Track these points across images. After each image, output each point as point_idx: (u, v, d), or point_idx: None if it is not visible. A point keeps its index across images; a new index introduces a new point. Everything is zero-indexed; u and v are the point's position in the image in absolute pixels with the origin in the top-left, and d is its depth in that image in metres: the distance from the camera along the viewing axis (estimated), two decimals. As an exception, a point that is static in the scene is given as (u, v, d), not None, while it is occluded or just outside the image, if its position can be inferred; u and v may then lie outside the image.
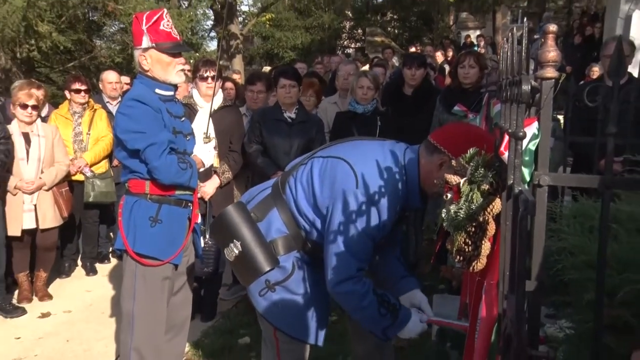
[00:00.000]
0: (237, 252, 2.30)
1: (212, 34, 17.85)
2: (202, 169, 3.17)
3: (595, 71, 8.04)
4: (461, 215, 1.55)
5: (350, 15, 23.19)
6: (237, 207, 2.38)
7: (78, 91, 5.30)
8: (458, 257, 1.63)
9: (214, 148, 3.39)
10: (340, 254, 2.17)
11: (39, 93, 4.79)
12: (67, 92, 5.43)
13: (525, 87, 1.34)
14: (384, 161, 2.21)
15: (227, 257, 2.37)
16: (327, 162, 2.29)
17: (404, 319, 2.31)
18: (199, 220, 3.20)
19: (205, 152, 3.19)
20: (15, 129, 4.61)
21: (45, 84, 13.85)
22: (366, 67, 8.12)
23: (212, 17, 17.23)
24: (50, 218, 4.74)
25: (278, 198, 2.39)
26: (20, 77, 10.12)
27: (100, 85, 5.96)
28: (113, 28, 16.09)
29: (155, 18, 2.84)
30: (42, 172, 4.71)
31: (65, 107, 5.40)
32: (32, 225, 4.66)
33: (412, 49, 12.15)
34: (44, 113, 5.72)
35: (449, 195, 1.65)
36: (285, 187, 2.39)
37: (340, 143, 2.48)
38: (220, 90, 4.39)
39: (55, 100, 8.63)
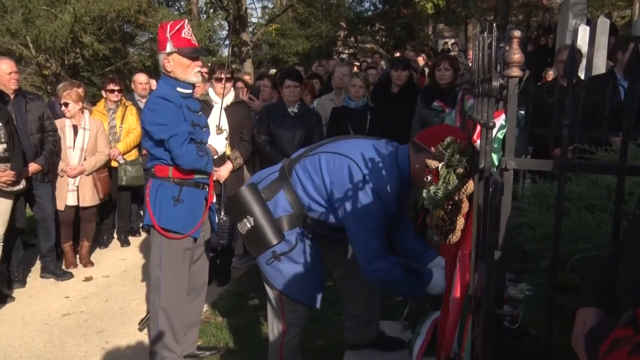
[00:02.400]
0: (249, 226, 2.30)
1: (227, 41, 17.75)
2: (215, 157, 3.13)
3: (550, 74, 8.02)
4: (439, 195, 1.52)
5: (345, 25, 23.00)
6: (250, 188, 2.36)
7: (112, 91, 5.28)
8: (436, 230, 1.61)
9: (226, 138, 3.36)
10: (362, 239, 2.21)
11: (80, 90, 4.76)
12: (103, 92, 5.42)
13: (495, 84, 1.31)
14: (382, 159, 2.24)
15: (240, 231, 2.36)
16: (335, 158, 2.27)
17: (429, 278, 2.30)
18: (214, 200, 3.19)
19: (218, 142, 3.15)
20: (67, 122, 4.67)
21: (87, 86, 13.86)
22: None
23: (227, 27, 17.07)
24: (89, 198, 4.77)
25: (285, 181, 2.37)
26: (68, 80, 10.11)
27: (133, 86, 5.92)
28: (143, 38, 16.01)
29: (177, 27, 2.81)
30: (84, 159, 4.70)
31: (101, 105, 5.38)
32: (74, 203, 4.70)
33: (397, 54, 12.03)
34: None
35: (429, 178, 1.62)
36: (291, 172, 2.37)
37: (343, 140, 2.45)
38: (232, 88, 4.35)
39: (95, 100, 8.61)
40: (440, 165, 1.58)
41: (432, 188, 1.56)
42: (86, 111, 4.81)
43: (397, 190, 2.23)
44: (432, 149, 2.10)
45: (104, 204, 5.28)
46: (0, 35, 11.14)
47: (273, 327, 2.56)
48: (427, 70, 8.92)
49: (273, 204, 2.35)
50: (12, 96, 4.23)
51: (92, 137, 4.74)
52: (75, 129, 4.67)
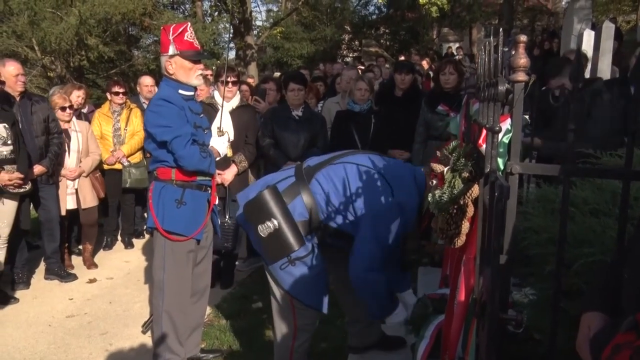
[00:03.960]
0: (272, 229, 2.28)
1: (231, 44, 17.78)
2: (217, 159, 3.15)
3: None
4: (444, 199, 1.53)
5: (349, 29, 23.02)
6: (273, 191, 2.35)
7: (117, 93, 5.30)
8: (441, 234, 1.62)
9: (228, 141, 3.37)
10: (372, 248, 2.26)
11: (80, 92, 4.80)
12: (108, 94, 5.43)
13: (501, 88, 1.32)
14: (408, 177, 2.33)
15: (260, 234, 2.31)
16: (362, 170, 2.33)
17: (395, 308, 2.42)
18: (217, 202, 3.19)
19: (220, 144, 3.16)
20: (59, 126, 4.66)
21: (92, 88, 13.93)
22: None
23: (232, 31, 17.11)
24: (90, 199, 4.81)
25: (304, 187, 2.37)
26: (73, 82, 10.16)
27: (138, 88, 5.93)
28: (148, 40, 16.06)
29: (180, 30, 2.83)
30: (80, 161, 4.73)
31: (106, 107, 5.39)
32: (74, 206, 4.72)
33: (401, 58, 12.04)
34: (85, 110, 5.73)
35: (434, 182, 1.62)
36: (312, 179, 2.38)
37: (367, 154, 2.50)
38: (237, 92, 4.36)
39: (99, 102, 8.64)
40: (445, 169, 1.58)
41: (438, 192, 1.56)
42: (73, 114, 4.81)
43: (417, 211, 2.30)
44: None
45: (107, 206, 5.33)
46: (7, 38, 11.20)
47: (282, 332, 2.55)
48: (431, 74, 8.93)
49: (291, 208, 2.35)
50: (18, 98, 4.25)
51: (84, 139, 4.78)
52: (66, 132, 4.67)
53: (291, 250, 2.30)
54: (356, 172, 2.32)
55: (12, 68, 4.24)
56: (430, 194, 1.60)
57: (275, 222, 2.27)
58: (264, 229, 2.29)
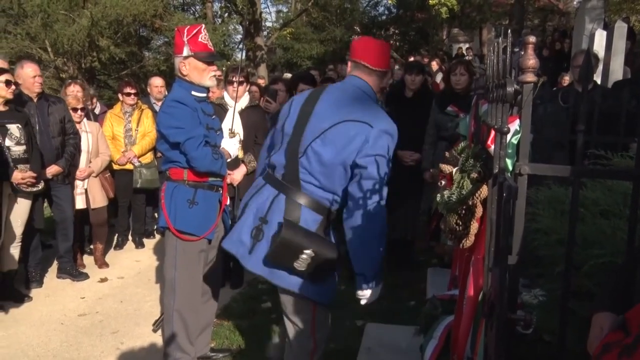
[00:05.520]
0: (309, 259, 2.12)
1: (241, 45, 17.85)
2: (229, 160, 3.16)
3: (566, 79, 7.94)
4: (453, 200, 1.53)
5: (359, 29, 23.01)
6: (288, 226, 2.14)
7: (128, 94, 5.34)
8: (450, 235, 1.62)
9: (239, 142, 3.38)
10: (378, 186, 2.10)
11: (76, 87, 4.89)
12: (119, 95, 5.48)
13: (510, 89, 1.32)
14: (360, 99, 2.20)
15: (299, 268, 2.15)
16: (327, 136, 2.15)
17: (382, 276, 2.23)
18: (228, 202, 3.21)
19: (231, 145, 3.17)
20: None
21: (103, 89, 14.05)
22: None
23: (242, 32, 17.19)
24: (100, 199, 4.87)
25: (299, 196, 2.20)
26: (83, 82, 10.27)
27: (148, 89, 5.98)
28: (159, 41, 16.14)
29: (194, 32, 2.84)
30: (90, 161, 4.79)
31: (118, 108, 5.44)
32: (83, 206, 4.77)
33: (411, 59, 12.02)
34: (98, 111, 5.80)
35: (443, 182, 1.63)
36: (299, 182, 2.21)
37: (311, 117, 2.24)
38: (247, 92, 4.38)
39: (111, 102, 8.71)
40: (454, 170, 1.59)
41: (446, 193, 1.57)
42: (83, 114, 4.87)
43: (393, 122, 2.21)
44: (380, 68, 2.22)
45: (117, 206, 5.38)
46: (21, 40, 11.33)
47: (299, 346, 2.38)
48: (441, 74, 8.92)
49: (304, 222, 2.19)
50: (35, 99, 4.31)
51: (94, 140, 4.83)
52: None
53: (334, 263, 2.18)
54: (325, 142, 2.15)
55: (30, 70, 4.30)
56: (439, 195, 1.60)
57: (309, 251, 2.11)
58: (300, 263, 2.14)
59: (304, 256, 2.12)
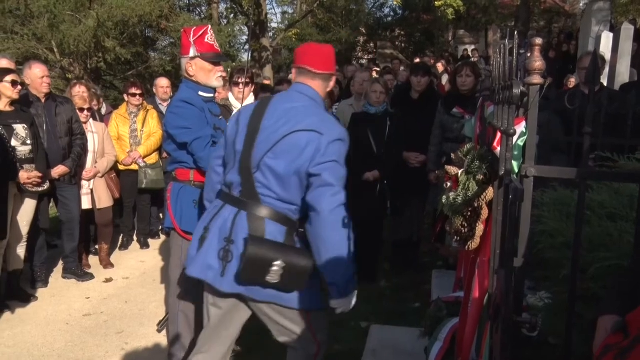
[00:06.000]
0: (281, 270, 2.07)
1: (247, 46, 17.89)
2: None
3: (572, 81, 7.94)
4: (459, 201, 1.53)
5: (364, 31, 23.05)
6: (253, 241, 2.09)
7: (134, 95, 5.37)
8: (456, 237, 1.62)
9: None
10: (333, 191, 2.04)
11: (82, 88, 4.92)
12: (125, 96, 5.51)
13: (516, 91, 1.32)
14: (308, 106, 2.17)
15: (272, 281, 2.09)
16: (278, 149, 2.11)
17: (356, 282, 2.13)
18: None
19: None
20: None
21: (109, 89, 14.11)
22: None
23: (247, 33, 17.24)
24: (105, 199, 4.90)
25: (260, 209, 2.15)
26: (89, 83, 10.33)
27: (154, 90, 6.00)
28: (165, 42, 16.17)
29: (201, 32, 2.85)
30: (96, 162, 4.82)
31: (123, 108, 5.47)
32: (89, 206, 4.80)
33: (417, 60, 12.02)
34: (104, 112, 5.83)
35: (449, 184, 1.63)
36: (258, 197, 2.15)
37: (261, 130, 2.19)
38: (252, 93, 4.40)
39: (117, 103, 8.76)
40: (460, 171, 1.59)
41: (452, 194, 1.57)
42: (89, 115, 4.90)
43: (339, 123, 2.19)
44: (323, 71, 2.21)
45: (123, 206, 5.41)
46: (27, 40, 11.40)
47: (304, 350, 2.35)
48: (446, 76, 8.92)
49: (270, 235, 2.14)
50: (43, 100, 4.34)
51: (100, 140, 4.86)
52: None
53: (309, 270, 2.12)
54: (276, 155, 2.11)
55: (38, 70, 4.33)
56: (444, 196, 1.60)
57: (279, 262, 2.06)
58: (272, 276, 2.08)
59: (274, 268, 2.06)
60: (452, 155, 1.73)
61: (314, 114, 2.16)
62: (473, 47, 19.61)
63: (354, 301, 2.18)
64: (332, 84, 2.33)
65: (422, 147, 4.40)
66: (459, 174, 1.58)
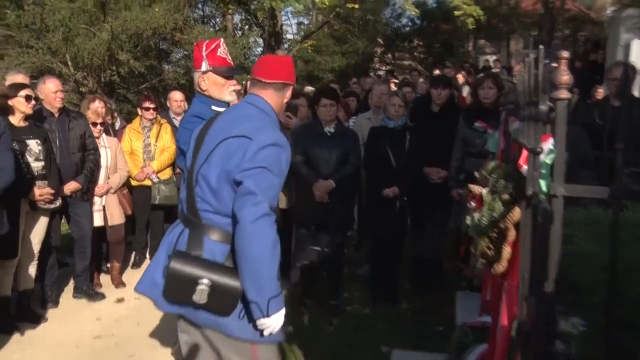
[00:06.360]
0: (207, 289, 1.98)
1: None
2: None
3: (600, 92, 7.83)
4: (484, 222, 1.50)
5: (381, 42, 23.09)
6: (177, 256, 2.06)
7: (147, 109, 5.39)
8: (481, 259, 1.58)
9: None
10: (256, 194, 1.94)
11: (101, 104, 5.00)
12: (138, 110, 5.54)
13: (543, 107, 1.30)
14: (251, 116, 2.14)
15: (199, 302, 2.00)
16: (212, 159, 2.07)
17: (282, 300, 2.01)
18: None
19: None
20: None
21: (122, 103, 14.31)
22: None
23: (262, 45, 17.39)
24: (117, 216, 4.91)
25: (200, 227, 2.10)
26: (104, 97, 10.51)
27: (168, 103, 6.04)
28: (178, 55, 16.38)
29: (213, 46, 2.87)
30: (108, 177, 4.85)
31: (137, 122, 5.51)
32: (101, 223, 4.80)
33: (436, 72, 11.98)
34: (117, 127, 5.89)
35: (473, 204, 1.60)
36: (198, 213, 2.11)
37: (201, 147, 2.17)
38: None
39: (130, 117, 8.87)
40: (484, 191, 1.56)
41: (476, 215, 1.54)
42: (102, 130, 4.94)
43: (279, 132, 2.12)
44: (273, 80, 2.16)
45: (131, 223, 5.41)
46: (42, 54, 11.65)
47: None
48: (467, 88, 8.86)
49: (209, 254, 2.07)
50: (56, 114, 4.40)
51: (113, 155, 4.90)
52: None
53: (239, 291, 1.99)
54: (213, 166, 2.07)
55: (52, 85, 4.39)
56: (468, 217, 1.57)
57: (205, 281, 1.98)
58: (199, 295, 1.99)
59: (200, 287, 1.98)
60: (476, 174, 1.70)
61: (253, 121, 2.11)
62: (495, 57, 19.51)
63: (280, 321, 2.03)
64: (288, 94, 2.27)
65: (443, 161, 4.36)
66: (484, 194, 1.55)
